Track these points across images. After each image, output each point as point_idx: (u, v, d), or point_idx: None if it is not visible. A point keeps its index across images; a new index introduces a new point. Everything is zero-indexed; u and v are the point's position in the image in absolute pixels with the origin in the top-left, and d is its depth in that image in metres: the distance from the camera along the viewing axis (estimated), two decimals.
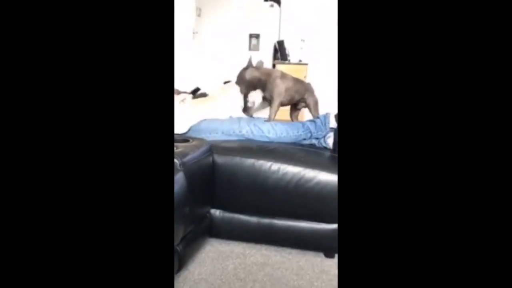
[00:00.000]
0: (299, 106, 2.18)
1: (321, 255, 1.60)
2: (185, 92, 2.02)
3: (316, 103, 2.10)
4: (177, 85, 2.26)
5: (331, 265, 1.53)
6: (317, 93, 2.13)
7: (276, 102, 1.92)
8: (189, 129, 1.77)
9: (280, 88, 1.90)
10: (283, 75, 1.97)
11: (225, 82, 2.06)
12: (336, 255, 1.59)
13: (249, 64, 1.95)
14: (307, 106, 2.12)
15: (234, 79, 2.01)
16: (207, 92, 2.07)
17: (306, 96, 2.08)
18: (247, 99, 2.03)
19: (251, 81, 1.94)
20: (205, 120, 1.82)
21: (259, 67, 1.96)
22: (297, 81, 2.07)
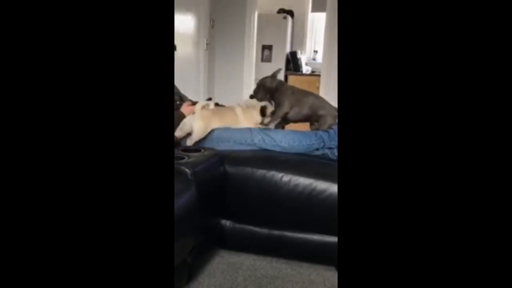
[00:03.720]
0: (314, 124, 1.98)
1: (333, 269, 1.57)
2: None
3: (333, 118, 1.91)
4: (190, 96, 2.28)
5: None
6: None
7: (279, 112, 1.91)
8: (205, 137, 1.78)
9: (289, 99, 1.91)
10: (293, 91, 1.96)
11: (208, 99, 2.09)
12: None
13: (274, 75, 2.00)
14: (318, 123, 1.93)
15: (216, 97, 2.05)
16: (218, 102, 2.08)
17: (321, 113, 1.92)
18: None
19: (269, 89, 1.97)
20: (217, 129, 1.82)
21: (275, 76, 2.01)
22: (307, 95, 1.96)
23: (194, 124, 1.76)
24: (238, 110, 1.92)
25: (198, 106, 1.79)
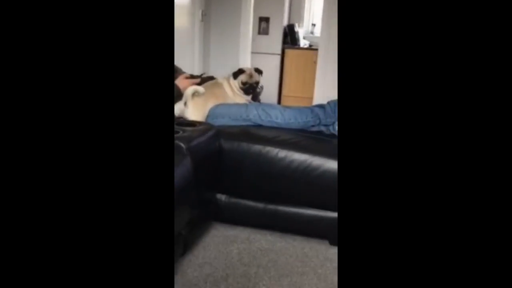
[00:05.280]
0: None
1: (326, 242, 1.61)
2: (194, 77, 1.97)
3: None
4: (185, 69, 2.23)
5: (336, 253, 1.53)
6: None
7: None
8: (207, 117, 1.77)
9: None
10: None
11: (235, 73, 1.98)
12: None
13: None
14: None
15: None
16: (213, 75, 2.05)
17: None
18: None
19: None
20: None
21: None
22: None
23: (188, 116, 1.72)
24: (225, 85, 1.93)
25: (188, 92, 1.71)
